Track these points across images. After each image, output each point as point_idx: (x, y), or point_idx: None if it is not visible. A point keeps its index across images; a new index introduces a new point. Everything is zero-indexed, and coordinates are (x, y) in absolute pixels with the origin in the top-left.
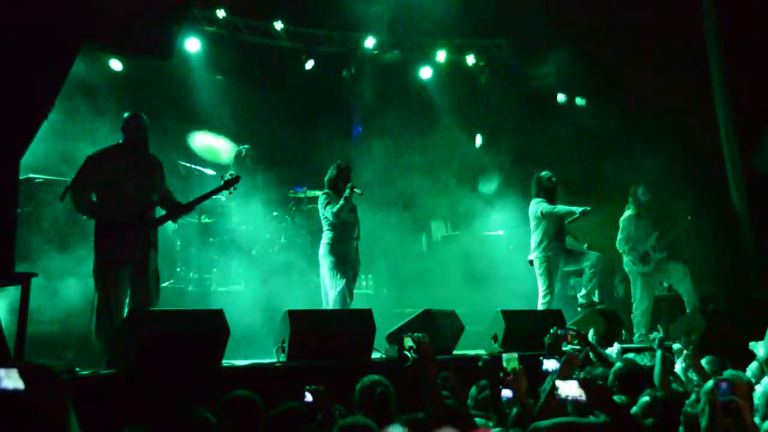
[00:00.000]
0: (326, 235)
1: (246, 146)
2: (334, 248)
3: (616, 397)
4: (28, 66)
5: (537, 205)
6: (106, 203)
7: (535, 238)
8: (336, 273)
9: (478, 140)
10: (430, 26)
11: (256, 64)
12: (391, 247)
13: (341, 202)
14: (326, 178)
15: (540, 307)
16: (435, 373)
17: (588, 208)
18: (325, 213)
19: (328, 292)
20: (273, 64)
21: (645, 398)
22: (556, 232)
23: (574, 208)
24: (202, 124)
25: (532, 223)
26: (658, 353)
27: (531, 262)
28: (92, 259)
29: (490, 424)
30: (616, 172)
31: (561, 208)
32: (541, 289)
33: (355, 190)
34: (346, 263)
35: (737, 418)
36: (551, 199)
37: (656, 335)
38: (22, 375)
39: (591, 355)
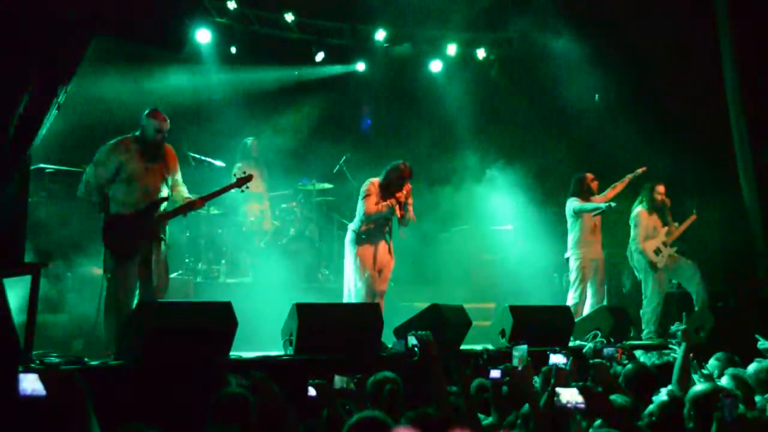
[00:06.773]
0: (356, 222)
1: (251, 138)
2: (359, 238)
3: (619, 397)
4: (38, 57)
5: (570, 204)
6: (118, 195)
7: (571, 236)
8: (360, 264)
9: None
10: (441, 19)
11: (266, 56)
12: (399, 240)
13: (377, 214)
14: (385, 169)
15: (569, 303)
16: (440, 371)
17: (613, 204)
18: (359, 203)
19: (350, 282)
20: (283, 56)
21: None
22: (591, 229)
23: (600, 204)
24: (211, 114)
25: (569, 222)
26: (682, 346)
27: (568, 260)
28: (102, 250)
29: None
30: (626, 167)
31: (588, 205)
32: (572, 286)
33: (399, 215)
34: (371, 257)
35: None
36: (587, 199)
37: (678, 326)
38: (44, 381)
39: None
